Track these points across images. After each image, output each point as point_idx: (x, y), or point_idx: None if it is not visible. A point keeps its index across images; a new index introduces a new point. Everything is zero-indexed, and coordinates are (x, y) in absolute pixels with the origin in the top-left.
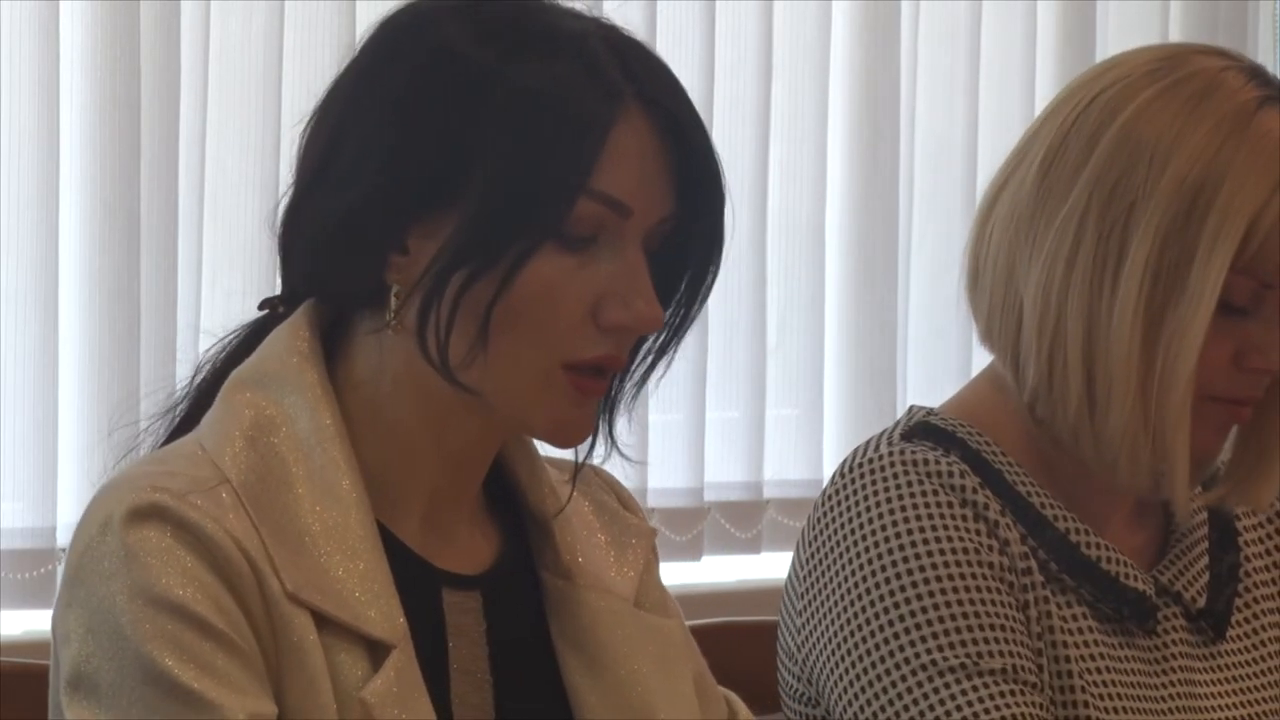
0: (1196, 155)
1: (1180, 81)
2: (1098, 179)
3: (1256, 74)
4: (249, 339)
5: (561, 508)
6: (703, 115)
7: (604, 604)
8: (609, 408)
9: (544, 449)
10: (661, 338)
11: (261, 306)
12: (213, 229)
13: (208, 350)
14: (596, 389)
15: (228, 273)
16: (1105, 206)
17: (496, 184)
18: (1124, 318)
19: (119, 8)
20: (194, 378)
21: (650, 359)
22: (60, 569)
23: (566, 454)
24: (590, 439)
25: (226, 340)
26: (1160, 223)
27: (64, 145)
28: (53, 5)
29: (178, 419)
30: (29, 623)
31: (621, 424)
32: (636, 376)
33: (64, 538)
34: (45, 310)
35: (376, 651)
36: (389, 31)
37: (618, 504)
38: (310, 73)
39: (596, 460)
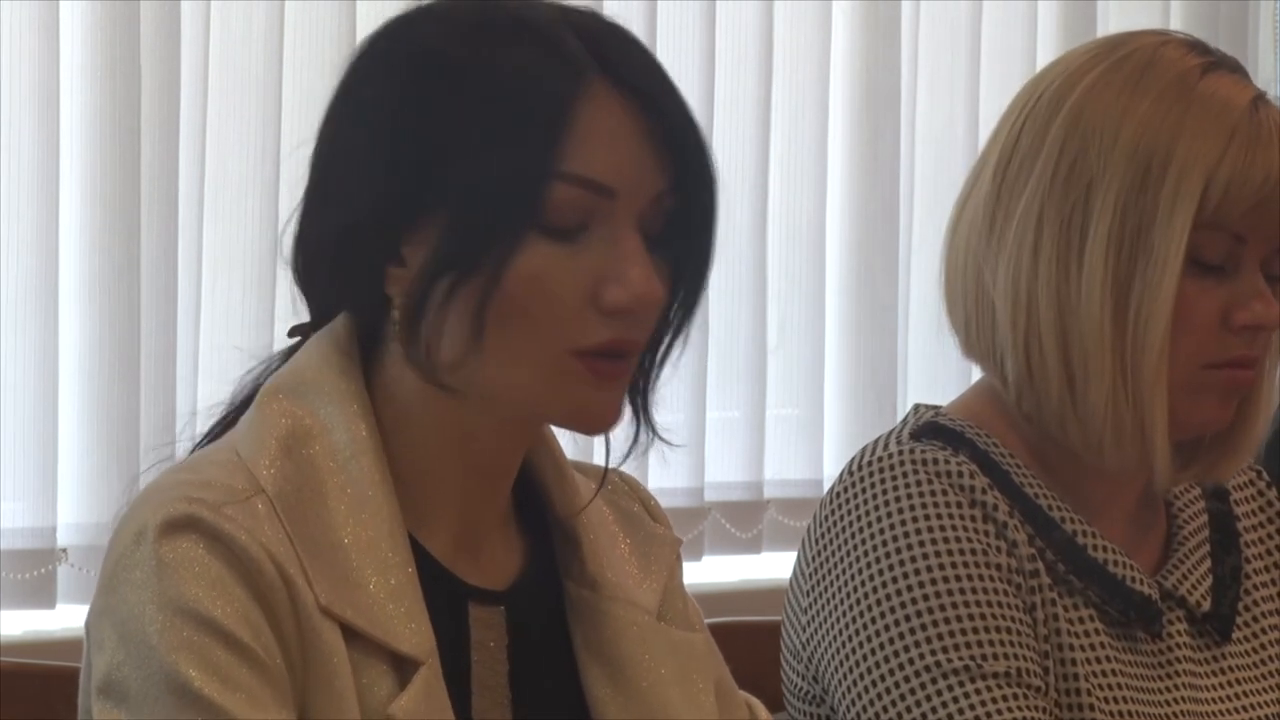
0: (1145, 124)
1: (1120, 60)
2: (1053, 167)
3: (1195, 45)
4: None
5: (583, 507)
6: (702, 115)
7: (627, 616)
8: (643, 394)
9: (585, 452)
10: (676, 316)
11: (291, 334)
12: (213, 229)
13: (248, 372)
14: (615, 371)
15: (228, 273)
16: (1064, 191)
17: (470, 181)
18: (1093, 291)
19: (119, 8)
20: (232, 399)
21: (669, 337)
22: (60, 569)
23: (593, 455)
24: (634, 435)
25: (269, 361)
26: (1119, 193)
27: (64, 145)
28: (53, 5)
29: (217, 430)
30: (29, 623)
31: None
32: (658, 356)
33: (64, 538)
34: (45, 311)
35: (404, 667)
36: (369, 43)
37: (643, 512)
38: (310, 73)
39: (639, 450)
